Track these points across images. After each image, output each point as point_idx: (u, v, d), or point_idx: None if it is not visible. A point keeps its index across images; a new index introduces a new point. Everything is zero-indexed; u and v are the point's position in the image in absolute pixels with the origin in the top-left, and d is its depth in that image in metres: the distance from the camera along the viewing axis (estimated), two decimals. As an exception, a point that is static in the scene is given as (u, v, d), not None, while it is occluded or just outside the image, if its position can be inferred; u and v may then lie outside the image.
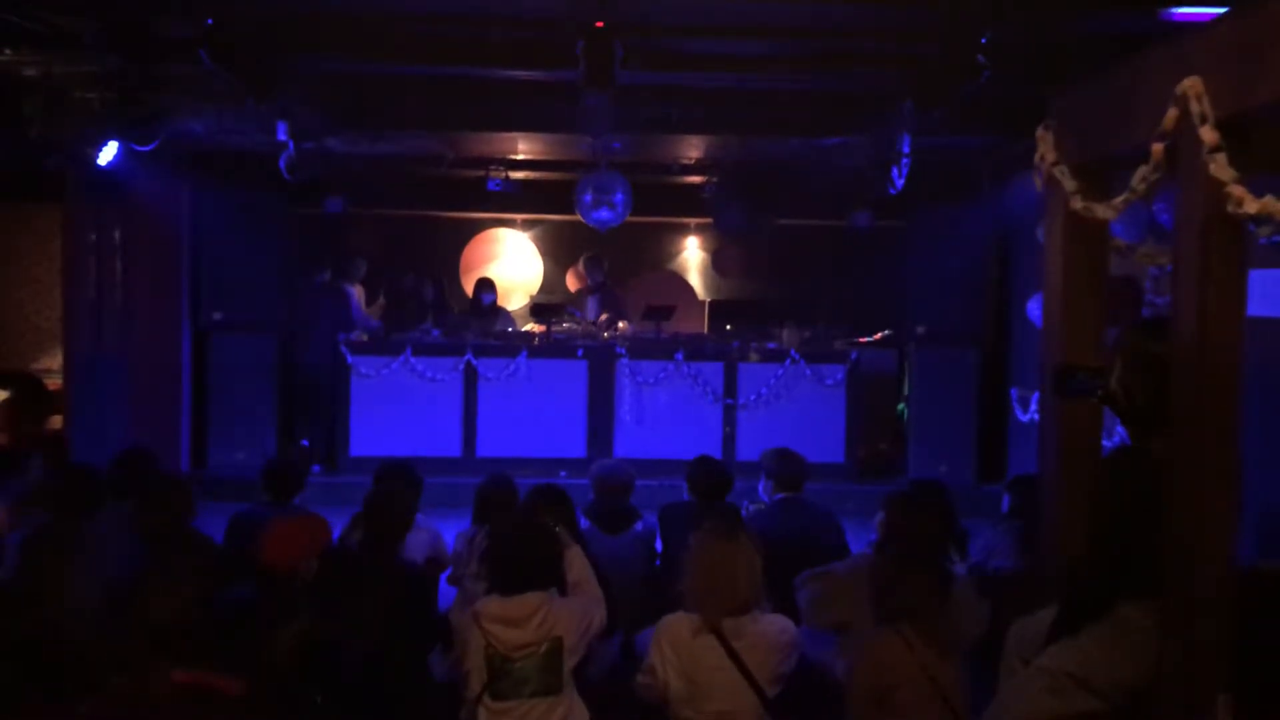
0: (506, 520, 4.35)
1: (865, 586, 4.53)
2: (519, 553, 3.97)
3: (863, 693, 3.91)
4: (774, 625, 3.95)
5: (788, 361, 9.88)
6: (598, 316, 10.69)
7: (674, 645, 3.87)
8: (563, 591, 4.05)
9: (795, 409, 9.85)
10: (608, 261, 11.18)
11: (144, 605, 3.34)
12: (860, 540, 5.41)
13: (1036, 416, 6.12)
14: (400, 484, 5.38)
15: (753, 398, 9.87)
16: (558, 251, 12.34)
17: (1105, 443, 5.16)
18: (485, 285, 10.97)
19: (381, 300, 11.12)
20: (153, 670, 3.23)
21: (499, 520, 4.67)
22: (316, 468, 9.54)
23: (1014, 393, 9.24)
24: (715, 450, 9.62)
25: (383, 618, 4.28)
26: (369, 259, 11.18)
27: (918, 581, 4.03)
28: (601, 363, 9.89)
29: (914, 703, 3.83)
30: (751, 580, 3.91)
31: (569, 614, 3.90)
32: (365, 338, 9.99)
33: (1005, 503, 5.72)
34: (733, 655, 3.81)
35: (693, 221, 12.38)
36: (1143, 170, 3.85)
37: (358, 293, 10.67)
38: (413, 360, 9.76)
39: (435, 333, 10.15)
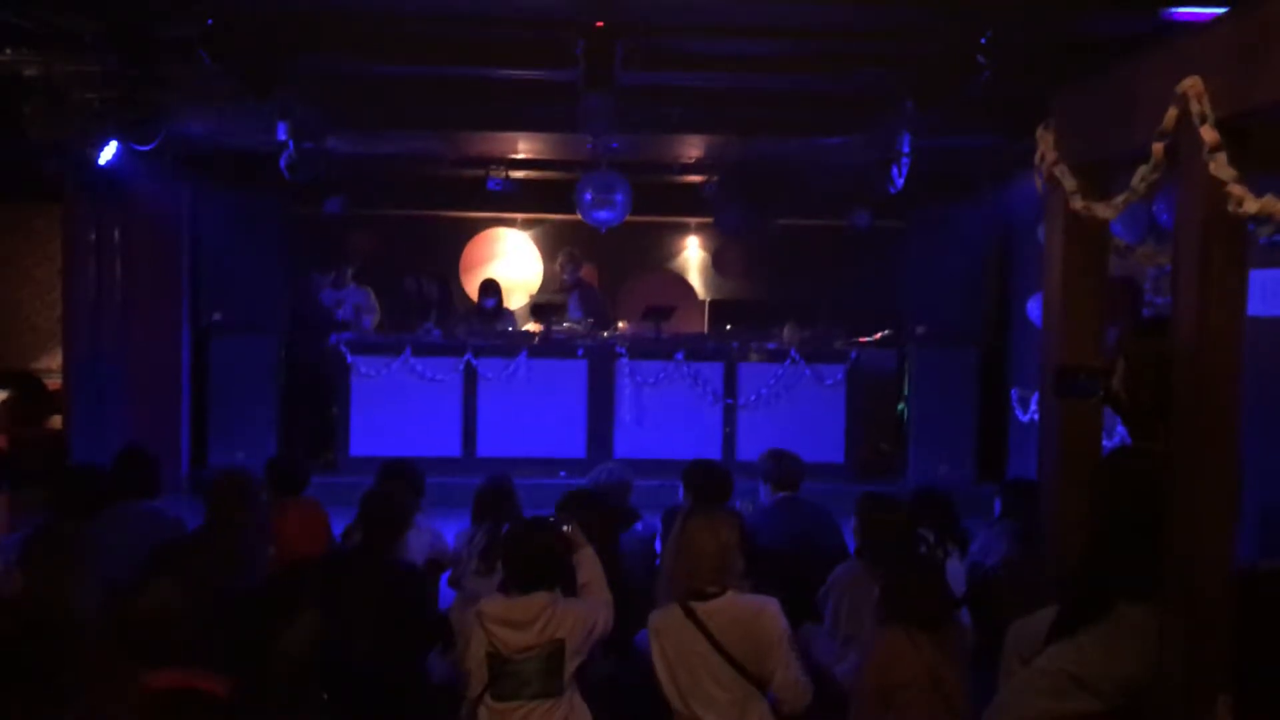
0: (517, 520, 4.34)
1: (858, 590, 4.55)
2: (527, 553, 3.96)
3: (869, 692, 3.91)
4: (750, 603, 3.91)
5: (787, 361, 9.87)
6: (581, 316, 10.64)
7: (660, 635, 3.87)
8: (570, 592, 4.03)
9: (795, 409, 9.84)
10: (583, 259, 11.16)
11: (135, 599, 3.30)
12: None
13: (1036, 416, 6.12)
14: (399, 484, 5.38)
15: (753, 398, 9.86)
16: (558, 251, 12.32)
17: (1105, 443, 5.16)
18: (489, 289, 10.91)
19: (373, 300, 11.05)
20: (131, 675, 3.17)
21: (509, 520, 4.67)
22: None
23: (1014, 393, 9.25)
24: (715, 450, 9.62)
25: (381, 618, 4.27)
26: (369, 259, 11.18)
27: (923, 582, 4.03)
28: (601, 363, 9.88)
29: (918, 703, 3.83)
30: (707, 559, 3.88)
31: (574, 617, 3.89)
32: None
33: (997, 506, 5.72)
34: (708, 635, 3.79)
35: (693, 221, 12.36)
36: (1143, 170, 3.86)
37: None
38: (413, 360, 9.76)
39: (435, 333, 10.15)
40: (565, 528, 4.19)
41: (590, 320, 10.53)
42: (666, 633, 3.87)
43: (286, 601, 3.98)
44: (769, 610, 3.90)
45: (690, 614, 3.83)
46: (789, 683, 3.87)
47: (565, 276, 11.10)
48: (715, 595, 3.86)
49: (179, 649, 3.27)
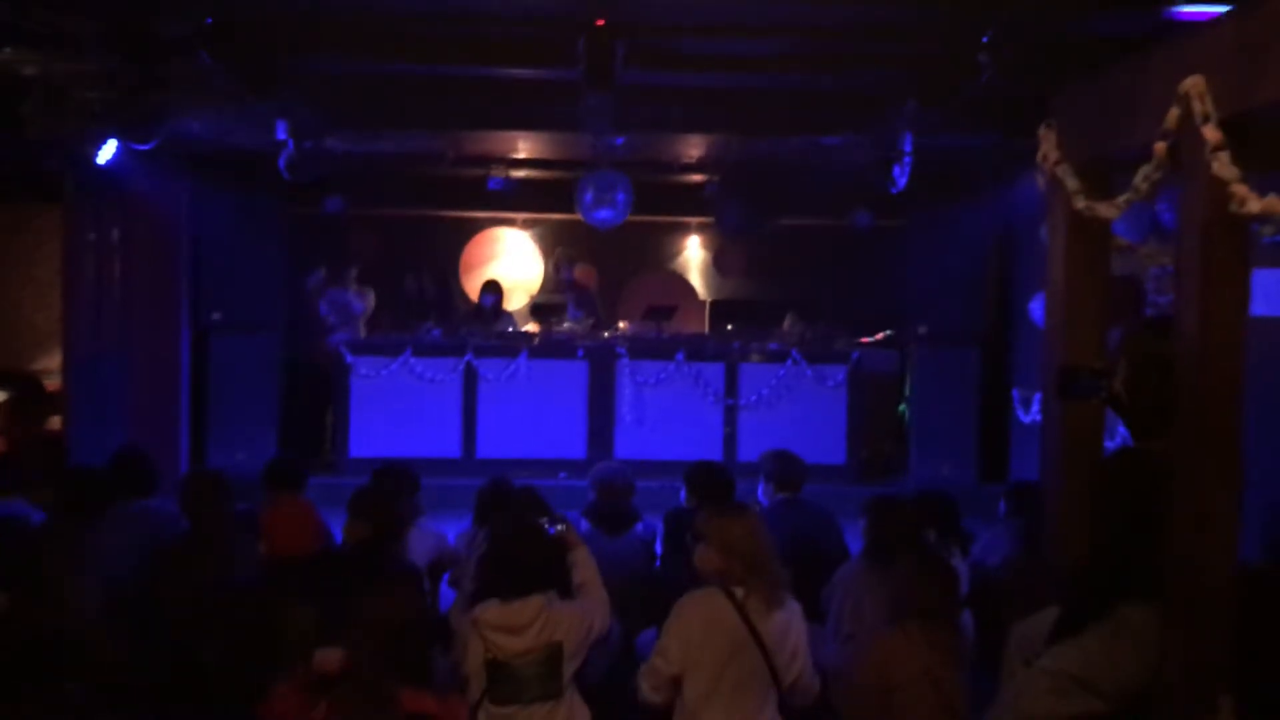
0: (505, 523, 4.32)
1: (862, 590, 4.54)
2: (519, 556, 3.94)
3: (868, 691, 3.90)
4: (789, 606, 3.89)
5: (789, 362, 9.87)
6: (578, 316, 10.65)
7: (697, 618, 3.77)
8: (565, 593, 4.02)
9: (796, 410, 9.83)
10: (577, 259, 11.17)
11: (367, 606, 3.22)
12: (861, 542, 5.40)
13: (1038, 417, 6.11)
14: (395, 485, 5.37)
15: (754, 398, 9.85)
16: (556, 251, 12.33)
17: (1107, 444, 5.16)
18: (490, 288, 10.93)
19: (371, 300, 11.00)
20: (393, 693, 3.07)
21: (497, 523, 4.65)
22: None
23: (1016, 393, 9.24)
24: (716, 451, 9.61)
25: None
26: (369, 259, 11.17)
27: (931, 583, 4.03)
28: (602, 363, 9.87)
29: (917, 703, 3.83)
30: (775, 559, 3.85)
31: (570, 619, 3.87)
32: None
33: (1001, 508, 5.70)
34: (754, 632, 3.74)
35: (694, 221, 12.36)
36: (1145, 169, 3.85)
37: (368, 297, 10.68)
38: (412, 361, 9.75)
39: (435, 333, 10.14)
40: (558, 528, 4.18)
41: (590, 320, 10.53)
42: (708, 619, 3.76)
43: (279, 599, 3.96)
44: (799, 617, 3.91)
45: (740, 609, 3.76)
46: (804, 681, 3.87)
47: (561, 276, 11.11)
48: (772, 592, 3.81)
49: (416, 667, 3.21)
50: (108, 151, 7.57)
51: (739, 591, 3.78)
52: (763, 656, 3.75)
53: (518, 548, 3.97)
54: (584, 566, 4.14)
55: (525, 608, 3.82)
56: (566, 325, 10.41)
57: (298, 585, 4.18)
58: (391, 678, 3.13)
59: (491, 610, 3.85)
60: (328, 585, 4.29)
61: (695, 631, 3.77)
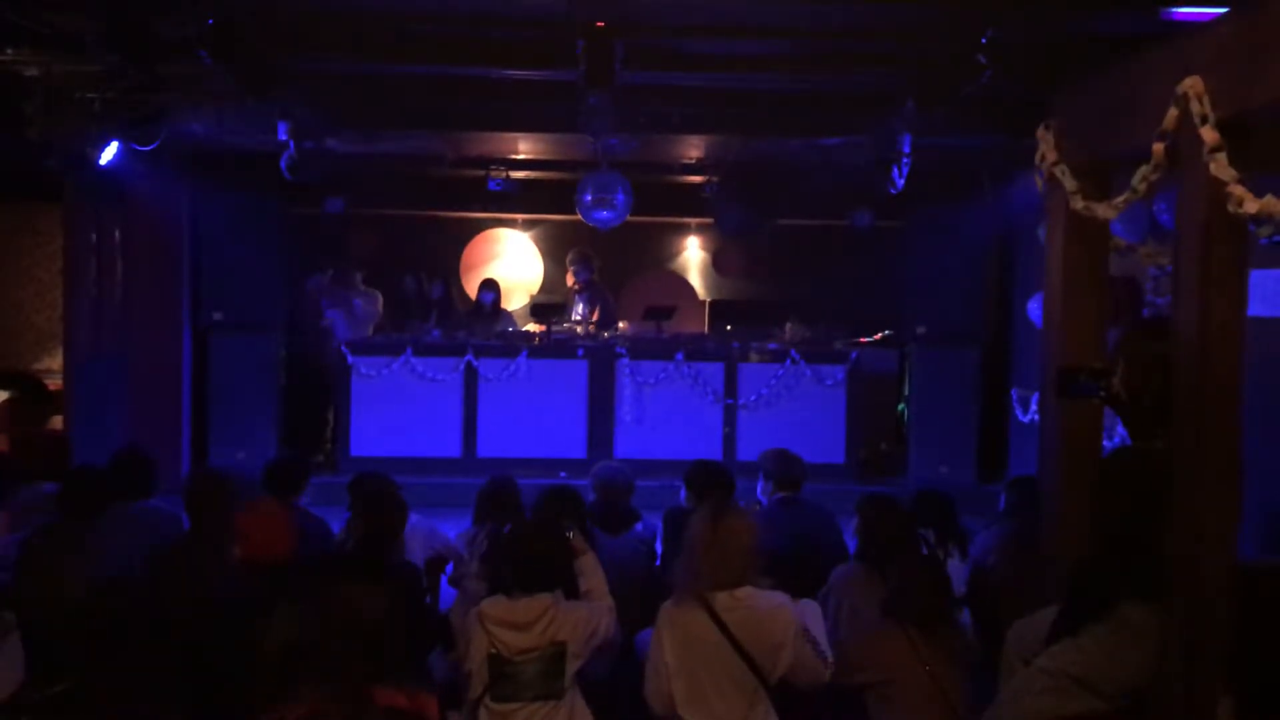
0: (519, 521, 4.33)
1: (858, 592, 4.54)
2: (531, 554, 3.95)
3: (868, 691, 3.92)
4: (768, 600, 3.89)
5: (788, 362, 9.88)
6: (586, 316, 10.64)
7: (672, 626, 3.83)
8: (571, 595, 4.03)
9: (796, 409, 9.83)
10: (597, 260, 11.12)
11: (346, 605, 3.22)
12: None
13: (1037, 417, 6.12)
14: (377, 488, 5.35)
15: (753, 398, 9.86)
16: (558, 251, 12.30)
17: (1106, 443, 5.16)
18: (488, 286, 10.96)
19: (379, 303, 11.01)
20: (361, 688, 3.07)
21: (511, 521, 4.66)
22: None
23: (1014, 393, 9.24)
24: (715, 451, 9.62)
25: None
26: (369, 259, 11.17)
27: (928, 580, 4.03)
28: (602, 363, 9.88)
29: (917, 703, 3.84)
30: (739, 554, 3.86)
31: (575, 619, 3.88)
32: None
33: (1002, 501, 5.70)
34: (723, 628, 3.76)
35: (693, 221, 12.35)
36: (1143, 170, 3.86)
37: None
38: (413, 360, 9.76)
39: (435, 333, 10.15)
40: (568, 534, 4.19)
41: (593, 321, 10.52)
42: (679, 623, 3.83)
43: (269, 601, 3.96)
44: (784, 610, 3.89)
45: (707, 606, 3.80)
46: (802, 667, 3.86)
47: (578, 277, 11.01)
48: (734, 589, 3.83)
49: (393, 659, 3.21)
50: (109, 152, 7.57)
51: (710, 593, 3.80)
52: (740, 657, 3.76)
53: (529, 545, 3.98)
54: (591, 572, 4.16)
55: (532, 605, 3.83)
56: (567, 325, 10.41)
57: (280, 588, 4.18)
58: (368, 674, 3.12)
59: (498, 605, 3.86)
60: (310, 587, 4.29)
61: (671, 642, 3.81)
